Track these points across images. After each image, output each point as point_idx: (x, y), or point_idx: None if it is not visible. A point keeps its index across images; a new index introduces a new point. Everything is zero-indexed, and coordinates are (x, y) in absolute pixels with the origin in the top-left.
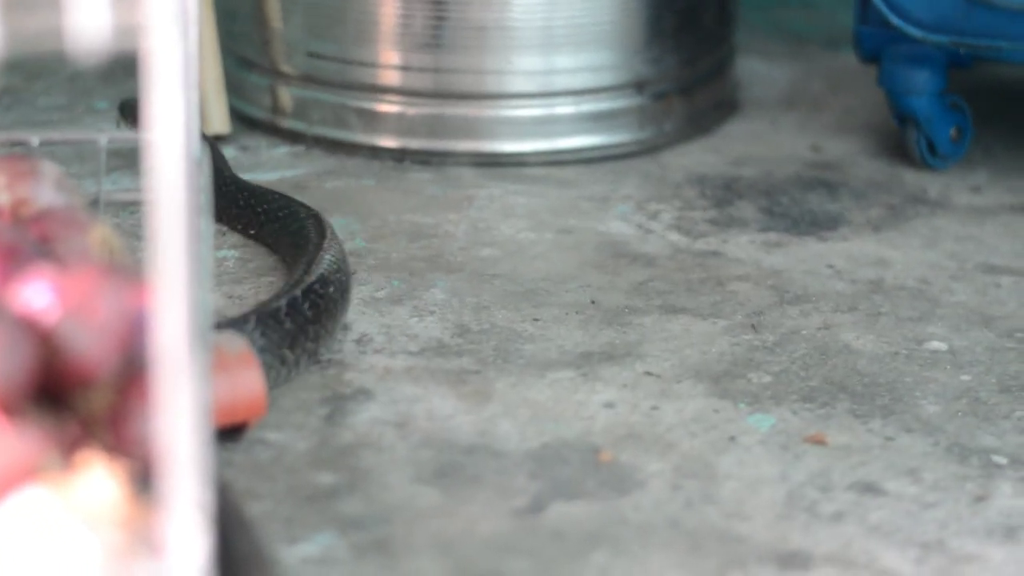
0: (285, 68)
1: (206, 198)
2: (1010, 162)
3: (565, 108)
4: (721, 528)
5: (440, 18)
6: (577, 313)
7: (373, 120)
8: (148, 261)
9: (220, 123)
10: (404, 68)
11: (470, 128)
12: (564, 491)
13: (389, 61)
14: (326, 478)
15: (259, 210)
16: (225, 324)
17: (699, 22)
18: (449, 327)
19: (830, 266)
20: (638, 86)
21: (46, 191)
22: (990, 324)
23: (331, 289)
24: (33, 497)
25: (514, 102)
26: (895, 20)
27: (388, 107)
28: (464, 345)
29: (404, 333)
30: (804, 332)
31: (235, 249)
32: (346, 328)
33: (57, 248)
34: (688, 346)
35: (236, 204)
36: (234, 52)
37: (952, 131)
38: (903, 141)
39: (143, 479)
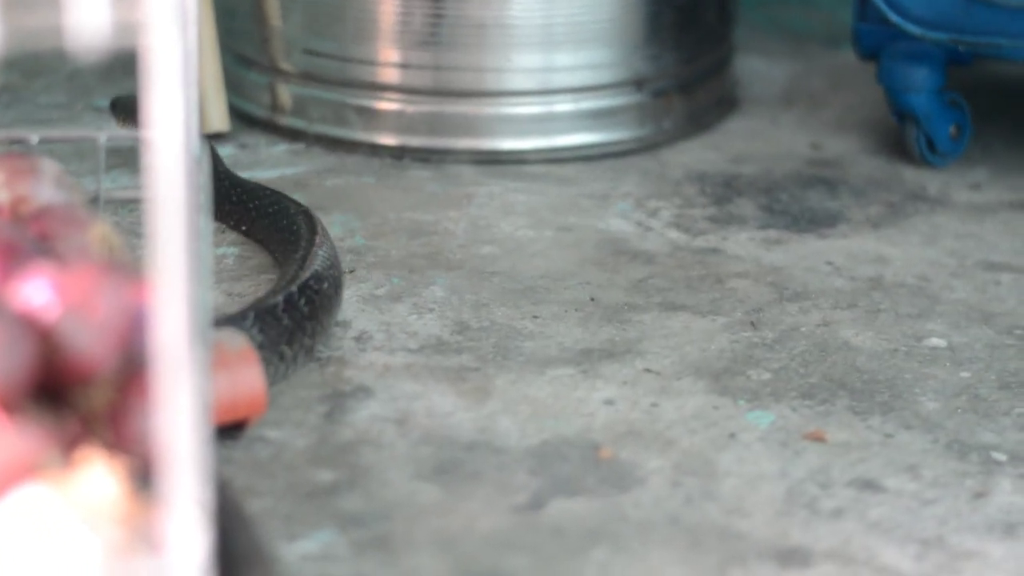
0: (284, 66)
1: (206, 196)
2: (1009, 159)
3: (565, 105)
4: (721, 525)
5: (439, 15)
6: (577, 310)
7: (372, 118)
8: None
9: (219, 121)
10: (403, 66)
11: (470, 126)
12: (564, 488)
13: (388, 59)
14: (326, 475)
15: (251, 206)
16: (223, 321)
17: (699, 19)
18: (449, 324)
19: (829, 263)
20: (638, 83)
21: (46, 189)
22: (990, 321)
23: (326, 285)
24: (33, 494)
25: (514, 99)
26: (894, 17)
27: (387, 105)
28: (464, 342)
29: (404, 330)
30: (803, 329)
31: (234, 247)
32: (345, 325)
33: (57, 246)
34: (688, 343)
35: (229, 200)
36: (233, 50)
37: (951, 128)
38: (902, 138)
39: (143, 476)
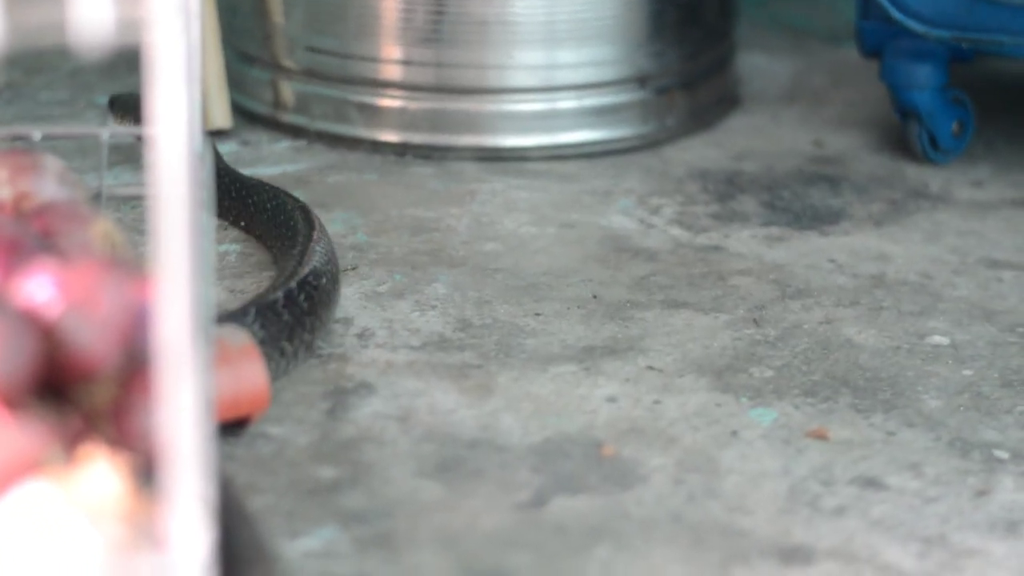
0: (286, 63)
1: (208, 192)
2: (1012, 156)
3: (567, 103)
4: (723, 522)
5: (441, 12)
6: (579, 307)
7: (375, 115)
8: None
9: (221, 118)
10: (405, 63)
11: (472, 123)
12: (566, 485)
13: (390, 56)
14: (328, 472)
15: (249, 202)
16: (224, 317)
17: (701, 17)
18: (451, 321)
19: (832, 260)
20: (640, 81)
21: (48, 185)
22: (992, 319)
23: (324, 281)
24: (35, 491)
25: (516, 97)
26: (897, 15)
27: (390, 102)
28: (466, 339)
29: (406, 327)
30: (806, 327)
31: (236, 243)
32: (348, 322)
33: (59, 242)
34: (690, 340)
35: (228, 196)
36: (235, 47)
37: (954, 125)
38: (905, 136)
39: (145, 473)
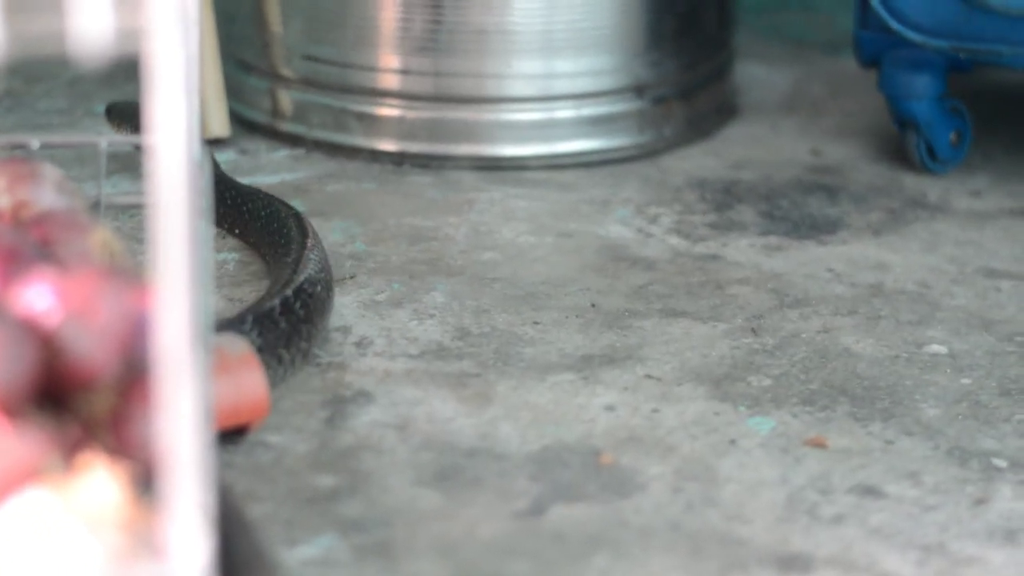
0: (285, 71)
1: (207, 201)
2: (1010, 166)
3: (565, 112)
4: (722, 531)
5: (439, 21)
6: (577, 316)
7: (373, 124)
8: (149, 264)
9: (220, 126)
10: (404, 72)
11: (470, 132)
12: (565, 494)
13: (389, 65)
14: (327, 480)
15: (244, 209)
16: (221, 325)
17: (699, 26)
18: (449, 330)
19: (830, 270)
20: (638, 90)
21: (47, 194)
22: (990, 328)
23: (319, 288)
24: (34, 499)
25: (514, 106)
26: (895, 25)
27: (388, 111)
28: (464, 348)
29: (404, 336)
30: (804, 335)
31: (235, 252)
32: (346, 331)
33: (58, 251)
34: (688, 349)
35: (224, 203)
36: (234, 55)
37: (952, 135)
38: (903, 145)
39: (145, 481)
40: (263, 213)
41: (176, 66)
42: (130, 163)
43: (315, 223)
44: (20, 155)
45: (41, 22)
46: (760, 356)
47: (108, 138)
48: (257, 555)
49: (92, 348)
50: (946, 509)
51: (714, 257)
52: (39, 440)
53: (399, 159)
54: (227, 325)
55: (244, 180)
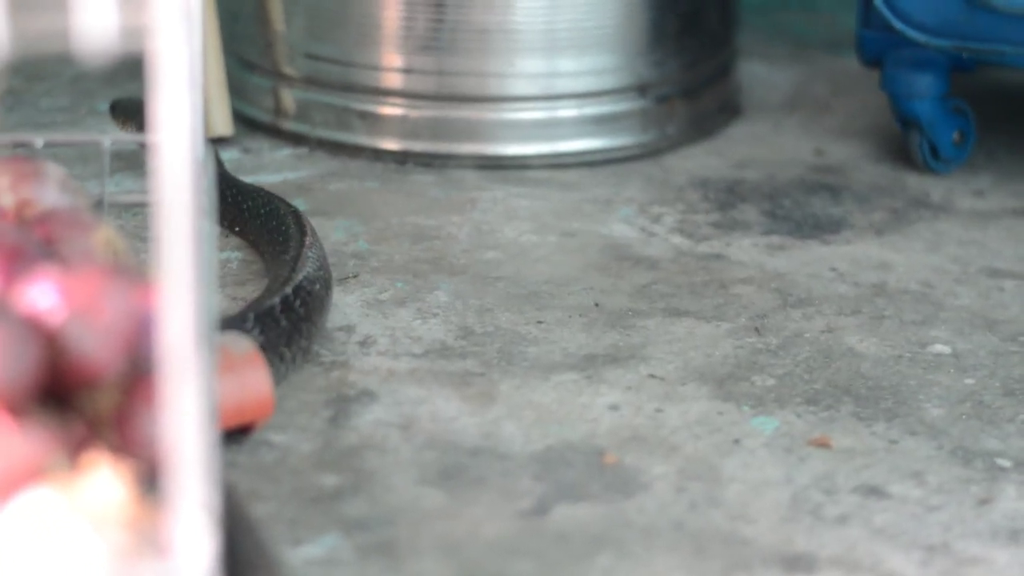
0: (287, 70)
1: (210, 199)
2: (1013, 166)
3: (568, 111)
4: (726, 531)
5: (442, 20)
6: (581, 316)
7: (376, 122)
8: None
9: (222, 125)
10: (406, 71)
11: (473, 131)
12: (569, 493)
13: (391, 64)
14: (330, 480)
15: (243, 207)
16: (222, 323)
17: (701, 25)
18: (453, 329)
19: (833, 269)
20: (641, 89)
21: (50, 192)
22: (994, 328)
23: (317, 286)
24: (39, 498)
25: (517, 105)
26: (898, 24)
27: (391, 110)
28: (468, 347)
29: (408, 335)
30: (807, 335)
31: (238, 251)
32: (350, 330)
33: (61, 249)
34: (692, 349)
35: (224, 201)
36: (236, 54)
37: (955, 135)
38: (906, 145)
39: (149, 480)
40: (263, 211)
41: (180, 64)
42: (133, 161)
43: (318, 222)
44: (23, 154)
45: (45, 20)
46: (764, 356)
47: (111, 136)
48: (261, 554)
49: (96, 346)
50: (950, 509)
51: (717, 256)
52: (43, 439)
53: (402, 158)
54: (227, 323)
55: (247, 179)
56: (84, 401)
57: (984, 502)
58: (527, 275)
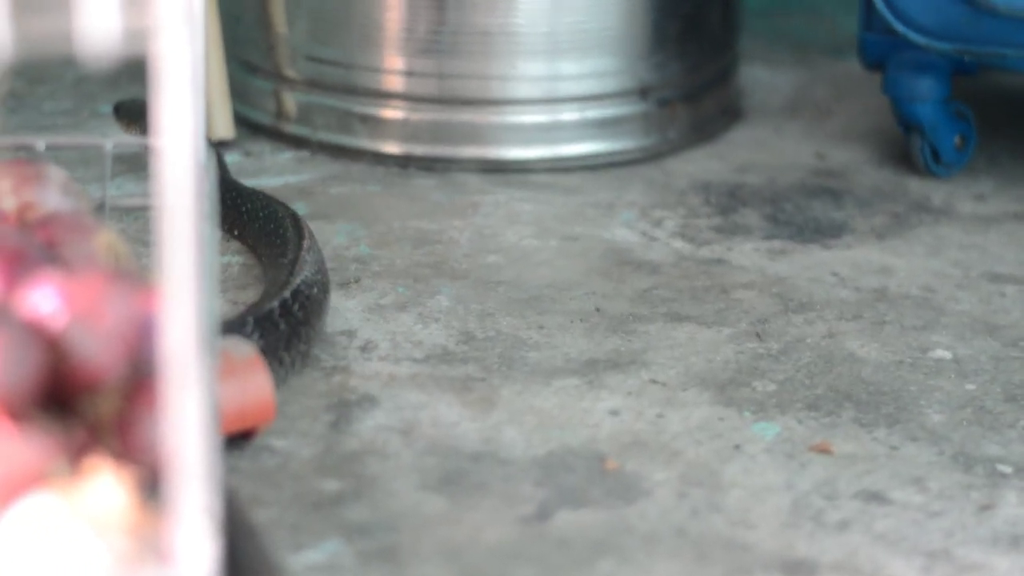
0: (289, 73)
1: (211, 203)
2: (1015, 170)
3: (570, 114)
4: (727, 536)
5: (444, 23)
6: (582, 320)
7: (377, 126)
8: (154, 266)
9: (224, 128)
10: (408, 73)
11: (474, 134)
12: (570, 499)
13: (393, 66)
14: (332, 485)
15: (242, 210)
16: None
17: (703, 29)
18: (454, 334)
19: (834, 274)
20: (642, 92)
21: (52, 195)
22: (995, 333)
23: (315, 290)
24: (40, 503)
25: (518, 108)
26: (899, 27)
27: (392, 113)
28: (469, 352)
29: (409, 340)
30: (809, 340)
31: (239, 255)
32: (351, 335)
33: (63, 253)
34: (693, 354)
35: (224, 204)
36: (238, 57)
37: (956, 139)
38: (907, 149)
39: (151, 485)
40: (261, 214)
41: (182, 67)
42: (135, 164)
43: (319, 226)
44: (25, 157)
45: (47, 22)
46: (765, 361)
47: (113, 140)
48: (262, 560)
49: (98, 351)
50: (951, 515)
51: (719, 261)
52: (45, 443)
53: (403, 161)
54: (226, 327)
55: (248, 182)
56: (85, 406)
57: (985, 508)
58: (528, 279)
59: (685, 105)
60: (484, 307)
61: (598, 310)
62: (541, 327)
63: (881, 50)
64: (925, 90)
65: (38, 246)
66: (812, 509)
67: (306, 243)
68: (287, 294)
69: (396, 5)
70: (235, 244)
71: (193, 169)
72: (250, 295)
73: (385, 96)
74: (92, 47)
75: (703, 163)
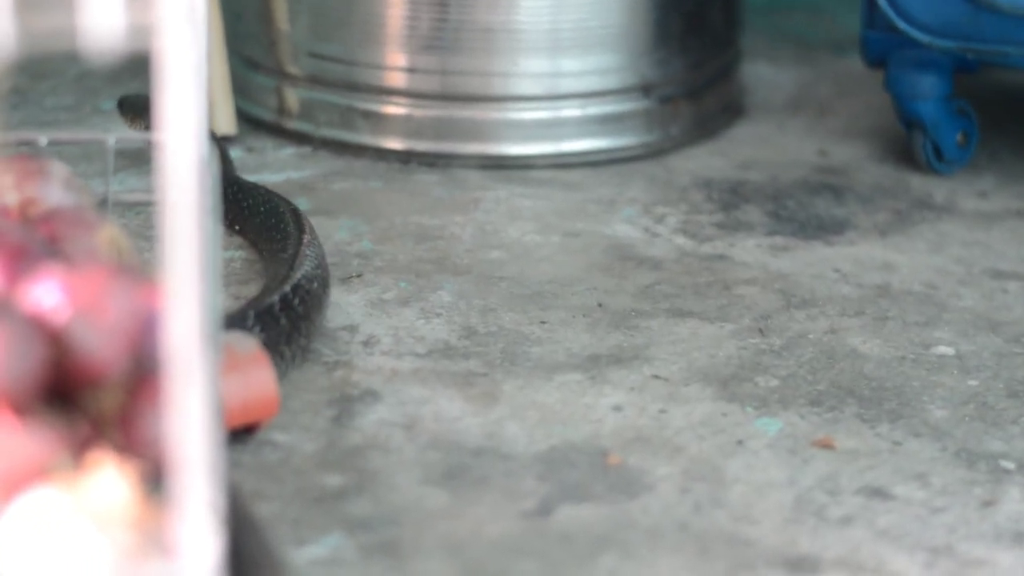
0: (291, 69)
1: (214, 198)
2: (1016, 167)
3: (572, 111)
4: (729, 532)
5: (446, 20)
6: (584, 316)
7: (379, 122)
8: (157, 261)
9: (226, 124)
10: (410, 70)
11: (476, 130)
12: (572, 494)
13: (395, 63)
14: (334, 480)
15: (244, 204)
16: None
17: (706, 25)
18: (456, 329)
19: (837, 270)
20: (645, 89)
21: (54, 191)
22: (997, 329)
23: (315, 285)
24: (44, 497)
25: (520, 105)
26: (902, 25)
27: (394, 109)
28: (471, 347)
29: (411, 335)
30: (811, 336)
31: (241, 250)
32: (353, 330)
33: (66, 248)
34: (695, 349)
35: (226, 198)
36: (240, 53)
37: (958, 136)
38: (909, 146)
39: (154, 480)
40: (262, 208)
41: (185, 63)
42: (138, 160)
43: (321, 221)
44: (28, 152)
45: (50, 18)
46: (767, 357)
47: (116, 135)
48: (265, 554)
49: (100, 345)
50: (954, 511)
51: (721, 257)
52: (48, 438)
53: (405, 157)
54: (227, 322)
55: (250, 178)
56: (89, 400)
57: (988, 504)
58: (530, 275)
59: (687, 102)
60: (486, 302)
61: (600, 305)
62: (543, 322)
63: (883, 47)
64: (927, 87)
65: (41, 241)
66: (815, 505)
67: (306, 238)
68: (287, 288)
69: (398, 1)
70: (237, 238)
71: (196, 165)
72: (252, 290)
73: (387, 92)
74: (95, 43)
75: (705, 160)
